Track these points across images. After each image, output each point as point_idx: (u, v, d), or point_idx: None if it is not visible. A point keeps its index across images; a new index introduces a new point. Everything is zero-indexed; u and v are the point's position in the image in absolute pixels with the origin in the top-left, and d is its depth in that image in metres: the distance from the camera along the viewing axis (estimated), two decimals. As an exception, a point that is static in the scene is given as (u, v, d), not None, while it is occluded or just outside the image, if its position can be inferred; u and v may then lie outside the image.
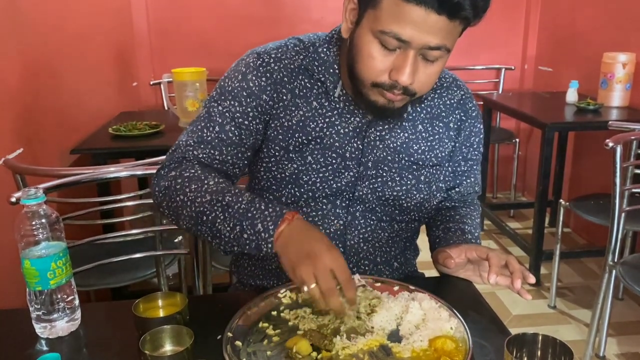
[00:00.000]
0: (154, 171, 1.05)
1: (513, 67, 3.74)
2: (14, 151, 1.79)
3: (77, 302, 0.92)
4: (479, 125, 1.14)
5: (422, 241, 1.21)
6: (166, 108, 2.92)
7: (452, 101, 1.10)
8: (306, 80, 1.03)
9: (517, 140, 3.64)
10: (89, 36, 2.59)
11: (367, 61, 0.90)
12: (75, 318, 0.91)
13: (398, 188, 1.06)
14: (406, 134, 1.06)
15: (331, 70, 1.02)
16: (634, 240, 2.62)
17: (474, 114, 1.13)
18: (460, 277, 1.05)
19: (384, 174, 1.05)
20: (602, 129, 2.29)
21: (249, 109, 1.01)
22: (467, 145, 1.13)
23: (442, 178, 1.11)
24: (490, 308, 0.97)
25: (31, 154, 1.91)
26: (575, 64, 3.26)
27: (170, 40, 3.42)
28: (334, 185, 1.04)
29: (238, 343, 0.82)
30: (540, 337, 0.76)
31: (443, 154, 1.10)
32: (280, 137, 1.03)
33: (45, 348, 0.86)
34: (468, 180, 1.17)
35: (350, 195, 1.06)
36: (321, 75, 1.02)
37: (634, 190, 1.96)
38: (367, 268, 1.11)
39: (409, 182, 1.07)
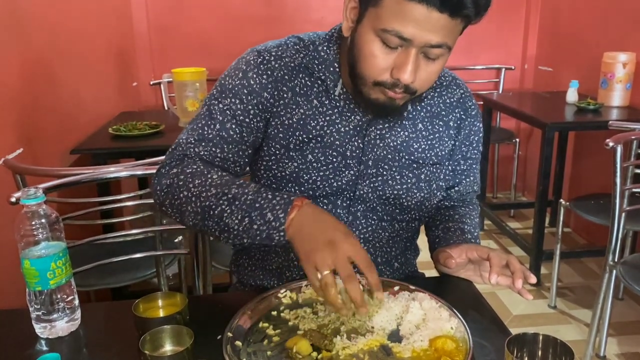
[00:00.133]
0: (154, 171, 1.04)
1: (513, 67, 3.74)
2: (14, 151, 1.79)
3: (77, 302, 0.91)
4: (478, 124, 1.14)
5: (422, 241, 1.21)
6: (166, 108, 2.92)
7: (452, 100, 1.10)
8: (306, 79, 1.03)
9: (517, 140, 3.64)
10: (89, 36, 2.59)
11: (368, 60, 0.90)
12: (75, 318, 0.91)
13: (398, 187, 1.06)
14: (406, 133, 1.06)
15: (331, 69, 1.02)
16: (634, 240, 2.62)
17: (473, 113, 1.13)
18: (461, 277, 1.05)
19: (385, 173, 1.05)
20: (602, 129, 2.29)
21: (250, 107, 1.01)
22: (467, 144, 1.13)
23: (442, 177, 1.11)
24: (491, 308, 0.97)
25: (31, 154, 1.91)
26: (576, 64, 3.26)
27: (170, 40, 3.42)
28: (335, 184, 1.04)
29: (238, 343, 0.82)
30: (540, 337, 0.76)
31: (443, 153, 1.10)
32: (280, 135, 1.03)
33: (45, 348, 0.86)
34: (467, 180, 1.17)
35: (351, 194, 1.06)
36: (321, 74, 1.02)
37: (634, 190, 1.96)
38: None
39: (409, 180, 1.07)
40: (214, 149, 1.01)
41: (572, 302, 2.59)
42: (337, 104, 1.03)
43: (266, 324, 0.88)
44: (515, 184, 3.76)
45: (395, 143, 1.05)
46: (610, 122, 2.18)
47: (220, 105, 1.01)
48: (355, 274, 0.80)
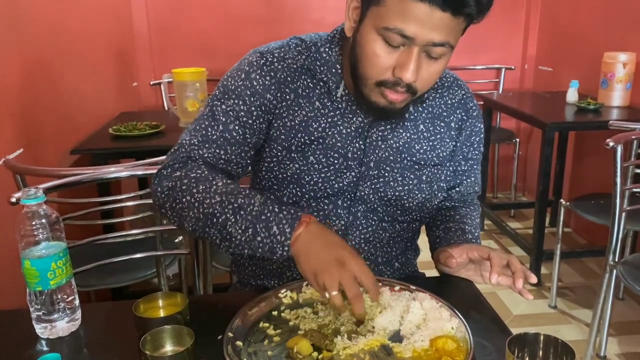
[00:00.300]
0: (155, 171, 1.04)
1: (513, 67, 3.74)
2: (14, 151, 1.79)
3: (77, 302, 0.91)
4: (479, 125, 1.14)
5: (423, 241, 1.21)
6: (166, 108, 2.92)
7: (453, 101, 1.10)
8: (309, 80, 1.03)
9: (518, 140, 3.64)
10: (89, 36, 2.59)
11: (370, 59, 0.89)
12: (75, 318, 0.91)
13: (400, 188, 1.06)
14: (408, 134, 1.06)
15: (333, 70, 1.02)
16: (635, 240, 2.62)
17: (474, 114, 1.13)
18: (461, 277, 1.05)
19: (386, 174, 1.05)
20: (602, 129, 2.29)
21: (253, 108, 1.01)
22: (468, 144, 1.13)
23: (443, 178, 1.11)
24: (491, 308, 0.97)
25: (31, 155, 1.91)
26: (576, 64, 3.26)
27: (170, 41, 3.42)
28: (336, 186, 1.04)
29: (239, 343, 0.82)
30: (541, 337, 0.76)
31: (444, 154, 1.10)
32: (282, 137, 1.03)
33: (45, 348, 0.86)
34: (468, 180, 1.17)
35: (352, 195, 1.05)
36: (323, 75, 1.02)
37: (634, 189, 1.96)
38: (368, 268, 1.11)
39: (410, 182, 1.06)
40: (217, 151, 1.00)
41: (572, 302, 2.59)
42: (339, 106, 1.03)
43: (267, 324, 0.88)
44: (515, 184, 3.76)
45: (397, 144, 1.05)
46: (610, 122, 2.18)
47: (223, 107, 1.01)
48: (362, 294, 0.82)
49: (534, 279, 0.93)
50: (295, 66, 1.02)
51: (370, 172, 1.05)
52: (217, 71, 2.77)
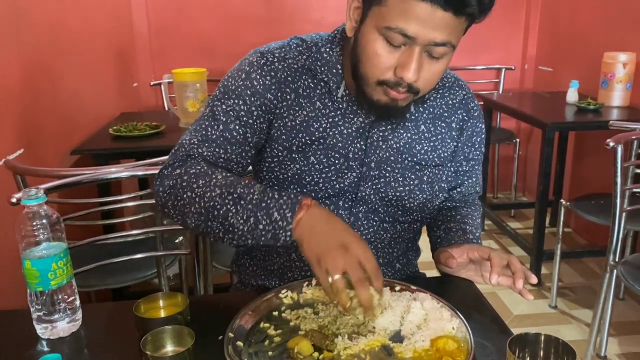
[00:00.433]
0: (155, 171, 1.04)
1: (513, 67, 3.74)
2: (14, 152, 1.79)
3: (78, 302, 0.91)
4: (480, 125, 1.14)
5: (423, 241, 1.21)
6: (167, 109, 2.92)
7: (455, 101, 1.10)
8: (309, 81, 1.03)
9: (518, 140, 3.64)
10: (89, 36, 2.59)
11: (372, 58, 0.89)
12: (76, 319, 0.91)
13: (401, 188, 1.06)
14: (409, 134, 1.06)
15: (334, 71, 1.02)
16: (635, 240, 2.62)
17: (476, 114, 1.13)
18: (462, 277, 1.05)
19: (387, 175, 1.05)
20: (602, 129, 2.29)
21: (254, 108, 1.01)
22: (469, 145, 1.13)
23: (444, 178, 1.11)
24: (492, 308, 0.97)
25: (32, 155, 1.91)
26: (576, 64, 3.26)
27: (170, 41, 3.42)
28: (337, 186, 1.04)
29: (239, 343, 0.82)
30: (542, 337, 0.76)
31: (446, 154, 1.10)
32: (283, 137, 1.03)
33: (46, 349, 0.86)
34: (469, 180, 1.17)
35: (353, 195, 1.05)
36: (324, 76, 1.02)
37: (634, 189, 1.96)
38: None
39: (411, 182, 1.06)
40: (217, 150, 1.00)
41: (572, 302, 2.59)
42: (340, 106, 1.03)
43: (267, 324, 0.88)
44: (515, 184, 3.77)
45: (398, 145, 1.05)
46: (610, 122, 2.18)
47: (224, 107, 1.01)
48: (365, 279, 0.80)
49: (534, 280, 0.93)
50: (295, 66, 1.02)
51: (371, 173, 1.05)
52: (217, 71, 2.77)
